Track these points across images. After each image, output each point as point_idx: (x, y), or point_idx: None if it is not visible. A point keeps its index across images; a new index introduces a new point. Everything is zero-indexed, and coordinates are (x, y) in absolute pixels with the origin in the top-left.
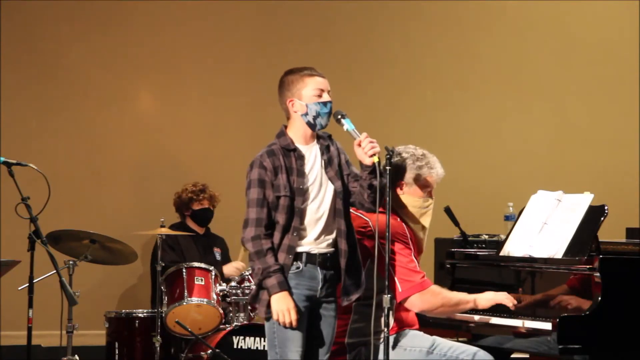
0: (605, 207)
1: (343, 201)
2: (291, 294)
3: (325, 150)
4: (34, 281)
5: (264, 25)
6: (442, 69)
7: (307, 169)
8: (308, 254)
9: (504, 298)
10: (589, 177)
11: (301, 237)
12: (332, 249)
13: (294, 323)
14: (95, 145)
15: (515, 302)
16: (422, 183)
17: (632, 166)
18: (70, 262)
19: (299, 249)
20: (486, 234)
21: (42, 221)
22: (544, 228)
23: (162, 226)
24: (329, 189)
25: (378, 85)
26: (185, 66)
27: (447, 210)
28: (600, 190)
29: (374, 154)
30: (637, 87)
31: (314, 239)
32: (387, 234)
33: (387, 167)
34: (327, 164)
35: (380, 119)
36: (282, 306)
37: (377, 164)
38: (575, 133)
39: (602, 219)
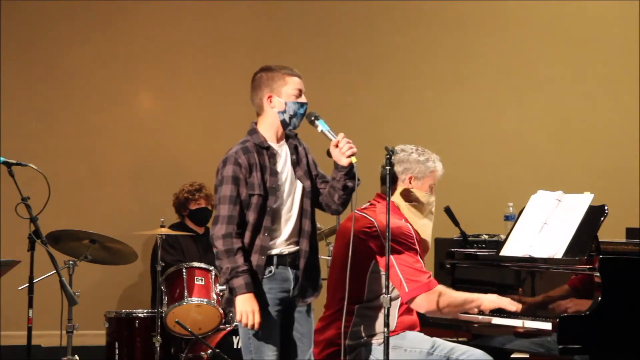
0: (605, 207)
1: (310, 201)
2: (257, 296)
3: (294, 149)
4: (34, 281)
5: (262, 25)
6: (442, 69)
7: (279, 167)
8: (279, 255)
9: (507, 303)
10: (589, 177)
11: (272, 238)
12: (298, 248)
13: (256, 326)
14: (95, 145)
15: (519, 308)
16: (427, 177)
17: (632, 166)
18: (70, 262)
19: (271, 252)
20: (486, 234)
21: (42, 221)
22: (544, 228)
23: (162, 226)
24: (298, 189)
25: (378, 85)
26: (185, 66)
27: (447, 210)
28: (600, 190)
29: (353, 154)
30: (637, 87)
31: (284, 239)
32: (387, 233)
33: (387, 167)
34: (296, 163)
35: (380, 119)
36: (247, 307)
37: (354, 165)
38: (575, 133)
39: (602, 219)
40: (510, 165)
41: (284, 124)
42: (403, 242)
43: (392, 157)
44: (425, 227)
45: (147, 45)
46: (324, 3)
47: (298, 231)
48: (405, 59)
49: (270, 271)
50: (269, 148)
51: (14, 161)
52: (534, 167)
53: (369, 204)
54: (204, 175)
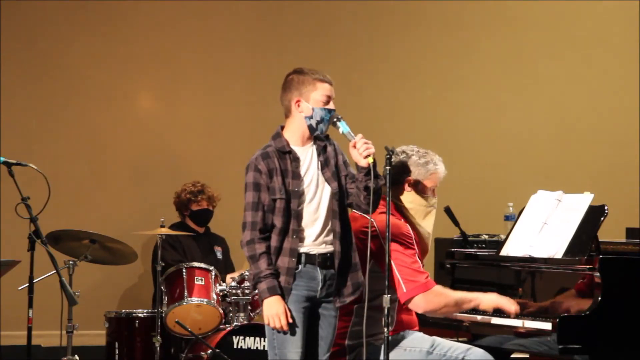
0: (605, 207)
1: (339, 202)
2: (284, 297)
3: (322, 151)
4: (34, 281)
5: (263, 25)
6: (442, 69)
7: (302, 170)
8: (307, 254)
9: (506, 303)
10: (589, 177)
11: (301, 239)
12: (332, 249)
13: (285, 328)
14: (95, 145)
15: (518, 309)
16: (428, 179)
17: (632, 166)
18: (70, 262)
19: (299, 250)
20: (486, 234)
21: (42, 221)
22: (544, 228)
23: (162, 226)
24: (325, 190)
25: (378, 85)
26: (185, 66)
27: (447, 210)
28: (600, 190)
29: (369, 155)
30: (637, 87)
31: (312, 240)
32: (387, 234)
33: (387, 167)
34: (324, 164)
35: (380, 119)
36: (272, 311)
37: (372, 165)
38: (575, 132)
39: (602, 219)
40: (510, 165)
41: (310, 129)
42: (401, 242)
43: (393, 158)
44: (424, 230)
45: (147, 45)
46: (324, 3)
47: (331, 232)
48: (405, 59)
49: (297, 268)
50: (290, 152)
51: (14, 161)
52: (534, 167)
53: None
54: (204, 174)
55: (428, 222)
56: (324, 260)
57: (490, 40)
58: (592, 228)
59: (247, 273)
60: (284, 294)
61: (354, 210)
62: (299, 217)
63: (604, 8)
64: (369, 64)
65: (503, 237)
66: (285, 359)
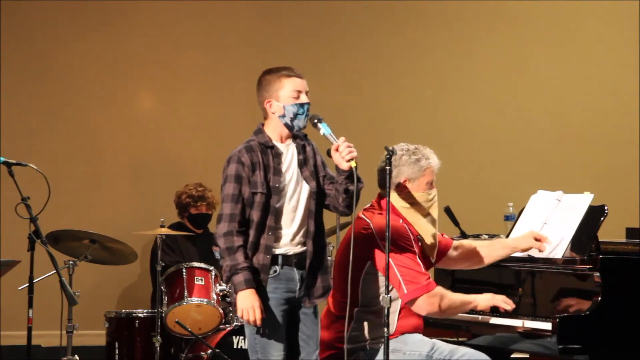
0: (605, 207)
1: (316, 202)
2: (259, 292)
3: (301, 149)
4: (34, 281)
5: (263, 25)
6: (442, 69)
7: (284, 167)
8: (284, 255)
9: (502, 302)
10: (589, 177)
11: (277, 237)
12: (305, 249)
13: (258, 322)
14: (95, 145)
15: (513, 305)
16: (424, 176)
17: (632, 166)
18: (70, 262)
19: (276, 251)
20: (486, 234)
21: (42, 221)
22: (544, 228)
23: (162, 226)
24: (304, 189)
25: (378, 85)
26: (185, 66)
27: (447, 210)
28: (600, 190)
29: (352, 159)
30: (637, 87)
31: (289, 239)
32: (387, 234)
33: (387, 168)
34: (303, 163)
35: (380, 119)
36: (247, 303)
37: (354, 169)
38: (575, 133)
39: (602, 219)
40: (510, 165)
41: (288, 127)
42: (400, 244)
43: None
44: (427, 225)
45: (146, 44)
46: (324, 3)
47: (305, 232)
48: (406, 58)
49: (275, 271)
50: (273, 147)
51: (14, 161)
52: (534, 167)
53: (370, 204)
54: (204, 175)
55: (430, 218)
56: (300, 260)
57: (490, 39)
58: (592, 228)
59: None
60: (257, 287)
61: (353, 215)
62: (277, 214)
63: (604, 8)
64: (369, 64)
65: (503, 237)
66: None
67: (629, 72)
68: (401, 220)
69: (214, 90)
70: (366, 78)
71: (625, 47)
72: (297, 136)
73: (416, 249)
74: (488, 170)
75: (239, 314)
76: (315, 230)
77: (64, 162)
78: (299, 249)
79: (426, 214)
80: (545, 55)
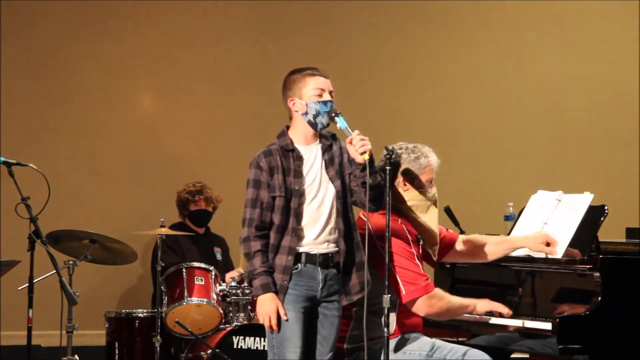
0: (605, 207)
1: (342, 200)
2: (277, 294)
3: (327, 149)
4: (34, 281)
5: (263, 25)
6: (442, 69)
7: (305, 169)
8: (307, 254)
9: (499, 307)
10: (589, 177)
11: (300, 238)
12: (335, 249)
13: (274, 327)
14: (95, 145)
15: (510, 312)
16: (423, 174)
17: (632, 166)
18: (70, 262)
19: (299, 250)
20: (486, 234)
21: (42, 221)
22: (544, 228)
23: (162, 226)
24: (329, 189)
25: (378, 85)
26: (185, 66)
27: (447, 210)
28: (600, 190)
29: (365, 152)
30: (637, 87)
31: (312, 238)
32: (387, 234)
33: (387, 167)
34: (329, 163)
35: (380, 118)
36: (264, 309)
37: (367, 162)
38: (575, 132)
39: (602, 219)
40: (510, 165)
41: (311, 125)
42: (398, 245)
43: (383, 160)
44: (429, 223)
45: (147, 45)
46: (324, 3)
47: (335, 231)
48: (405, 58)
49: (297, 267)
50: (294, 150)
51: (14, 161)
52: (534, 167)
53: None
54: (204, 175)
55: (432, 215)
56: (325, 260)
57: (490, 40)
58: (592, 228)
59: (245, 272)
60: (277, 291)
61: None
62: (298, 215)
63: (604, 8)
64: (369, 64)
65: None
66: (284, 358)
67: (629, 72)
68: (400, 221)
69: (214, 90)
70: (366, 78)
71: (625, 47)
72: (323, 136)
73: (414, 250)
74: (488, 170)
75: (259, 319)
76: (345, 228)
77: (64, 162)
78: (325, 248)
79: (427, 212)
80: (545, 55)
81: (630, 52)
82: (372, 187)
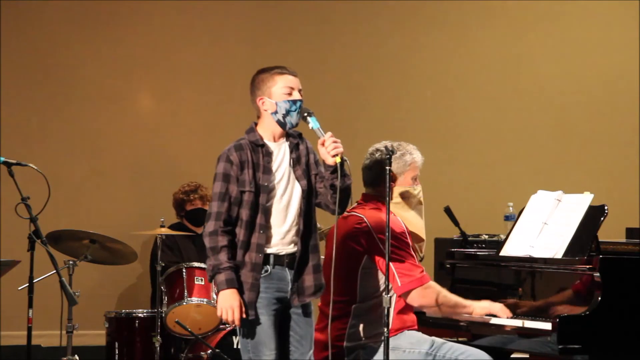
0: (605, 207)
1: (307, 200)
2: (241, 292)
3: (294, 148)
4: (34, 281)
5: (262, 25)
6: (442, 69)
7: (274, 166)
8: (276, 255)
9: (499, 310)
10: (589, 177)
11: (268, 236)
12: (296, 248)
13: (237, 322)
14: (95, 145)
15: (510, 314)
16: (408, 171)
17: (632, 166)
18: (70, 262)
19: (268, 251)
20: (486, 234)
21: (42, 221)
22: (544, 228)
23: (162, 226)
24: (296, 188)
25: (378, 85)
26: (185, 66)
27: (447, 210)
28: (600, 190)
29: (337, 154)
30: (637, 87)
31: (280, 238)
32: (387, 233)
33: (387, 167)
34: (296, 162)
35: (380, 118)
36: (227, 303)
37: (339, 165)
38: (575, 133)
39: (602, 219)
40: (510, 165)
41: (280, 124)
42: (397, 237)
43: (369, 159)
44: (413, 218)
45: (146, 45)
46: (324, 3)
47: (296, 231)
48: (405, 59)
49: (267, 270)
50: (264, 146)
51: (14, 161)
52: (534, 167)
53: (357, 203)
54: (204, 175)
55: (418, 211)
56: (291, 260)
57: (490, 40)
58: (592, 228)
59: (207, 266)
60: (241, 288)
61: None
62: (267, 212)
63: (604, 8)
64: (369, 64)
65: (503, 237)
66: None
67: (629, 72)
68: (393, 215)
69: (214, 90)
70: (366, 78)
71: (625, 47)
72: (290, 135)
73: (410, 243)
74: (488, 170)
75: (218, 313)
76: (305, 229)
77: (64, 162)
78: (291, 248)
79: (413, 208)
80: (545, 55)
81: (630, 52)
82: (341, 190)
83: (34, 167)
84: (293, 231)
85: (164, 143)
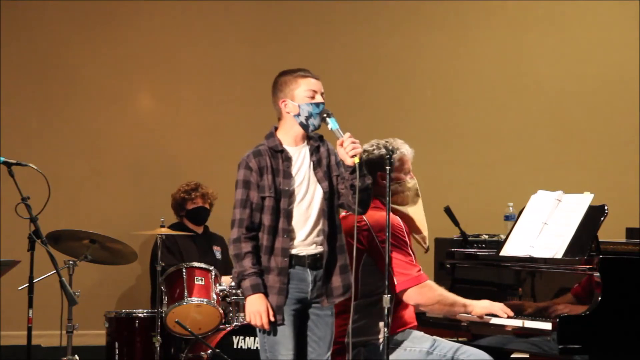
0: (605, 207)
1: (329, 202)
2: (267, 296)
3: (315, 151)
4: (34, 281)
5: (262, 25)
6: (442, 69)
7: (294, 170)
8: (297, 256)
9: (499, 309)
10: (589, 177)
11: (292, 239)
12: (322, 249)
13: (265, 326)
14: (95, 145)
15: (511, 314)
16: (399, 165)
17: (632, 166)
18: (70, 262)
19: (290, 251)
20: (486, 234)
21: (42, 221)
22: (544, 228)
23: (162, 226)
24: (317, 190)
25: (378, 85)
26: (185, 66)
27: (447, 210)
28: (600, 190)
29: (355, 155)
30: (637, 87)
31: (302, 239)
32: (387, 233)
33: (388, 168)
34: (317, 164)
35: (380, 118)
36: (254, 308)
37: (357, 165)
38: (575, 133)
39: (602, 219)
40: (510, 165)
41: (303, 126)
42: (395, 235)
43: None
44: (412, 211)
45: (146, 45)
46: (324, 3)
47: (321, 232)
48: (405, 58)
49: (289, 268)
50: (283, 151)
51: (14, 161)
52: (534, 167)
53: None
54: (204, 175)
55: (414, 205)
56: (313, 261)
57: (489, 40)
58: (592, 228)
59: (233, 273)
60: (267, 292)
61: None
62: (289, 216)
63: (604, 8)
64: (369, 64)
65: (503, 237)
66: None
67: (629, 72)
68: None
69: (214, 90)
70: (366, 78)
71: (625, 47)
72: (311, 137)
73: (408, 240)
74: (488, 170)
75: (247, 318)
76: (330, 230)
77: (64, 162)
78: (313, 249)
79: (410, 202)
80: (545, 55)
81: (630, 52)
82: (361, 190)
83: (34, 167)
84: (315, 233)
85: (164, 143)
